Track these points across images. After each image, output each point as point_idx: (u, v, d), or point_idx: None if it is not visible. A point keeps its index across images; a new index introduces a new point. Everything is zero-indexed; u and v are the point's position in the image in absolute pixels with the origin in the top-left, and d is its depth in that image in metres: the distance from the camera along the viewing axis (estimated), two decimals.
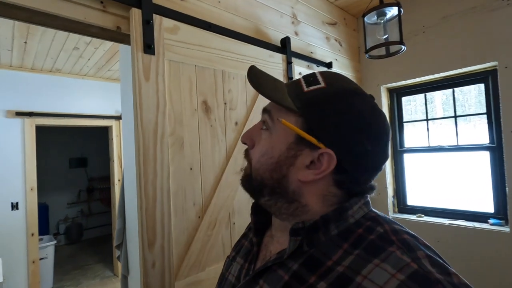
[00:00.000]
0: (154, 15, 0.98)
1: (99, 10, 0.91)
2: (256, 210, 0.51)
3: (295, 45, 1.62)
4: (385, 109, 2.16)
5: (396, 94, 2.16)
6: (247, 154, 0.47)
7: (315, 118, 0.40)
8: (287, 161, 0.42)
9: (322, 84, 0.42)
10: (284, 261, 0.41)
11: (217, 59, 1.18)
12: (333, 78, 0.43)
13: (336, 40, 1.99)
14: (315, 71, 0.46)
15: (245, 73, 1.28)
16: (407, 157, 2.13)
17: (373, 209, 0.44)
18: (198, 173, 1.09)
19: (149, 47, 0.96)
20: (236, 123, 1.25)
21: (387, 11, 1.41)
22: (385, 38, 1.45)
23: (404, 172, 2.13)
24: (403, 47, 1.42)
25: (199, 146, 1.10)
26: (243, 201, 1.23)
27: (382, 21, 1.44)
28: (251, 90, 1.31)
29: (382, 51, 1.53)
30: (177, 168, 1.03)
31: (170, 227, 0.98)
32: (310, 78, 0.43)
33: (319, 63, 1.77)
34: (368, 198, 0.44)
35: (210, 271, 1.09)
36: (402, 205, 2.13)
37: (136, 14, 0.94)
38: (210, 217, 1.11)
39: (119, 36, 0.98)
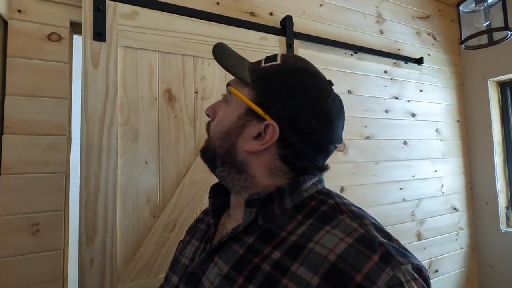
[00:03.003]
0: (107, 1, 0.95)
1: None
2: (214, 192, 0.53)
3: (379, 44, 1.67)
4: (495, 106, 1.91)
5: (511, 88, 1.82)
6: (208, 127, 0.50)
7: (265, 91, 0.43)
8: (236, 130, 0.44)
9: (278, 61, 0.45)
10: (239, 235, 0.42)
11: (186, 44, 1.07)
12: (291, 58, 0.47)
13: (428, 34, 1.92)
14: (279, 53, 0.49)
15: None
16: None
17: (326, 187, 0.47)
18: (155, 167, 1.00)
19: (99, 34, 0.93)
20: None
21: None
22: (486, 25, 1.38)
23: None
24: (509, 33, 1.31)
25: (158, 138, 1.01)
26: None
27: (482, 7, 1.38)
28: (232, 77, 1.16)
29: (482, 40, 1.46)
30: (128, 160, 0.96)
31: (114, 223, 0.91)
32: (270, 57, 0.47)
33: (407, 59, 1.74)
34: (322, 177, 0.47)
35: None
36: None
37: (87, 2, 0.92)
38: (168, 217, 1.00)
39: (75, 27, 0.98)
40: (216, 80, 1.13)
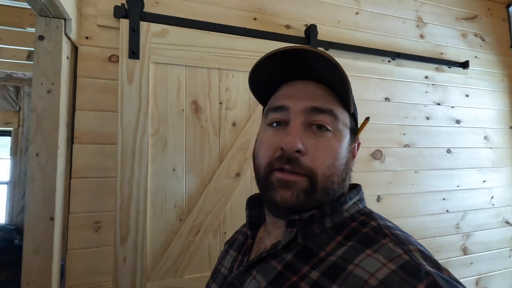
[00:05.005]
0: (141, 22, 1.05)
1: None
2: (251, 204, 0.53)
3: (419, 49, 1.61)
4: None
5: None
6: (296, 163, 0.40)
7: (355, 110, 0.48)
8: (349, 155, 0.44)
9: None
10: (278, 253, 0.41)
11: (212, 57, 1.13)
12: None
13: (476, 35, 1.79)
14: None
15: (249, 70, 1.17)
16: None
17: (368, 207, 0.46)
18: (182, 174, 1.07)
19: (133, 53, 1.02)
20: (234, 124, 1.15)
21: None
22: None
23: None
24: None
25: (185, 147, 1.08)
26: (237, 210, 1.11)
27: None
28: None
29: None
30: (158, 168, 1.04)
31: (145, 225, 1.00)
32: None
33: (450, 63, 1.65)
34: (363, 195, 0.47)
35: (189, 280, 1.03)
36: None
37: (123, 24, 1.03)
38: (193, 221, 1.06)
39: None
40: (240, 91, 1.17)
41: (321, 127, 0.41)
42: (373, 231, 0.38)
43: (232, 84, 1.16)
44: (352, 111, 0.45)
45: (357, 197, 0.45)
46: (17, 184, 3.05)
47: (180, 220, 1.05)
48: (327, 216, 0.41)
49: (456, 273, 1.62)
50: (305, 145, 0.40)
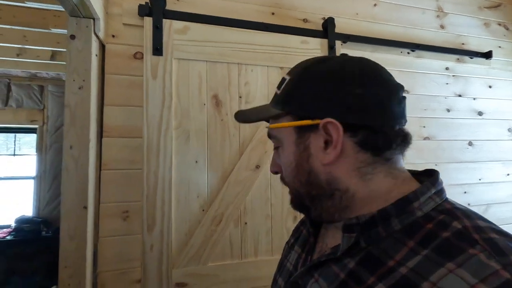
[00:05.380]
0: (164, 20, 1.08)
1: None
2: None
3: (440, 40, 1.59)
4: None
5: None
6: (284, 181, 0.47)
7: (296, 105, 0.41)
8: (303, 156, 0.41)
9: (288, 77, 0.43)
10: (339, 257, 0.37)
11: (231, 52, 1.16)
12: (296, 67, 0.44)
13: (499, 24, 1.74)
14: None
15: (268, 64, 1.20)
16: None
17: (450, 200, 0.37)
18: (204, 166, 1.11)
19: (157, 49, 1.06)
20: None
21: None
22: None
23: None
24: None
25: (206, 140, 1.12)
26: (257, 201, 1.14)
27: None
28: (274, 81, 1.21)
29: None
30: (181, 160, 1.08)
31: (170, 215, 1.04)
32: (280, 82, 0.45)
33: (472, 54, 1.60)
34: (442, 185, 0.37)
35: (212, 267, 1.07)
36: None
37: (147, 22, 1.07)
38: (215, 211, 1.10)
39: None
40: (260, 85, 1.19)
41: (276, 148, 0.46)
42: (456, 237, 0.30)
43: (252, 78, 1.19)
44: (284, 109, 0.42)
45: (433, 190, 0.35)
46: (43, 179, 3.20)
47: (203, 210, 1.09)
48: (393, 217, 0.35)
49: None
50: (278, 166, 0.46)
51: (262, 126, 1.17)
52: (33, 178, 3.22)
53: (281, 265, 0.54)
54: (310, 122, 0.39)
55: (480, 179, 1.59)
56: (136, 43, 1.10)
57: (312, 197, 0.41)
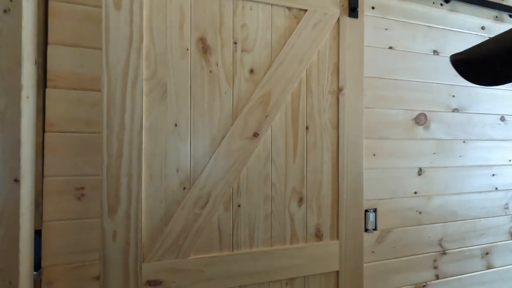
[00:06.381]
0: None
1: None
2: None
3: None
4: None
5: None
6: None
7: None
8: None
9: None
10: None
11: None
12: None
13: None
14: None
15: (271, 1, 0.92)
16: None
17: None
18: (186, 131, 0.84)
19: None
20: (252, 71, 0.91)
21: None
22: None
23: None
24: None
25: (189, 97, 0.85)
26: (254, 179, 0.90)
27: None
28: (279, 24, 0.93)
29: None
30: (155, 122, 0.82)
31: (139, 193, 0.79)
32: None
33: None
34: None
35: (195, 261, 0.84)
36: None
37: None
38: (200, 190, 0.85)
39: None
40: (261, 29, 0.92)
41: None
42: None
43: (250, 19, 0.91)
44: None
45: None
46: None
47: (184, 188, 0.84)
48: None
49: (502, 260, 1.43)
50: None
51: (264, 82, 0.90)
52: None
53: None
54: None
55: (510, 161, 1.38)
56: None
57: None
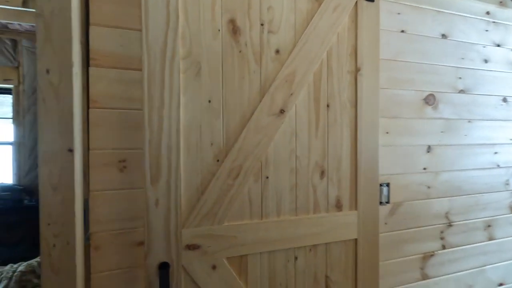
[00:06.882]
0: None
1: None
2: None
3: None
4: None
5: None
6: None
7: None
8: None
9: None
10: None
11: None
12: None
13: None
14: None
15: None
16: None
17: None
18: (218, 108, 0.90)
19: None
20: (278, 51, 0.96)
21: None
22: None
23: None
24: None
25: (221, 76, 0.90)
26: (281, 153, 0.96)
27: None
28: (302, 7, 0.99)
29: None
30: (191, 98, 0.87)
31: (178, 164, 0.85)
32: None
33: None
34: None
35: (229, 227, 0.91)
36: None
37: None
38: (232, 162, 0.91)
39: None
40: (285, 10, 0.97)
41: None
42: None
43: (276, 1, 0.96)
44: None
45: None
46: (22, 145, 2.92)
47: (218, 160, 0.90)
48: None
49: (502, 232, 1.53)
50: None
51: (289, 62, 0.96)
52: (11, 143, 2.92)
53: None
54: None
55: (511, 139, 1.46)
56: None
57: None
